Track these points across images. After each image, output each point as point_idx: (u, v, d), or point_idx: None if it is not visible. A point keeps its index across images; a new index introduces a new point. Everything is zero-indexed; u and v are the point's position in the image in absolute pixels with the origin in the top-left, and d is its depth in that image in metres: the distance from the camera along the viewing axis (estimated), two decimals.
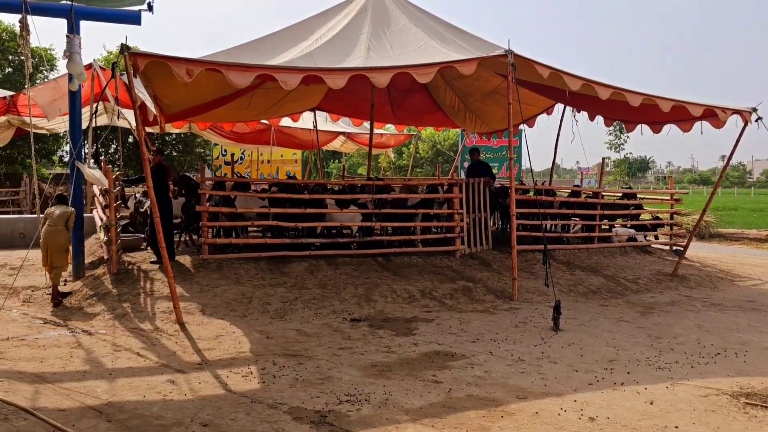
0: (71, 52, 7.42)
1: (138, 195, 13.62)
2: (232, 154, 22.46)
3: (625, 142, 50.05)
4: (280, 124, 17.21)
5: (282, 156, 25.55)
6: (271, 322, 7.58)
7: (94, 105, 8.91)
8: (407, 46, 9.77)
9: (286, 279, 9.10)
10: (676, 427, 4.50)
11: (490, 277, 9.98)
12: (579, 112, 12.76)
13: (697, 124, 11.02)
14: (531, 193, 12.54)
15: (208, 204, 9.48)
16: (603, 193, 13.53)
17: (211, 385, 5.39)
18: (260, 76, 7.54)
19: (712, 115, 10.43)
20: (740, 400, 5.06)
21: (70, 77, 8.21)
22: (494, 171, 22.40)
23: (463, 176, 21.67)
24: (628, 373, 5.80)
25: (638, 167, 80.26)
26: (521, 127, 15.36)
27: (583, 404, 4.96)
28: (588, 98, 10.46)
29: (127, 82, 8.28)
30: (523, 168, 21.19)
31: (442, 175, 20.50)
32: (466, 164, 23.81)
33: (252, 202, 10.18)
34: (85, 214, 10.23)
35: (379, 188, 11.08)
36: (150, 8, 8.79)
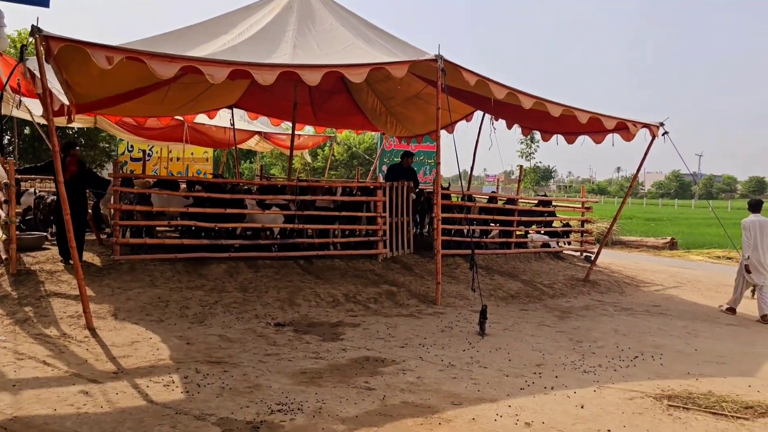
0: None
1: (37, 190, 12.69)
2: (141, 150, 21.43)
3: (536, 151, 51.93)
4: (194, 121, 16.56)
5: (192, 154, 24.68)
6: (191, 327, 7.20)
7: (1, 93, 8.12)
8: (334, 46, 9.60)
9: (204, 282, 8.71)
10: (609, 430, 4.61)
11: (412, 281, 9.98)
12: (497, 120, 13.01)
13: (609, 136, 11.52)
14: (454, 198, 12.70)
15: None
16: (519, 200, 13.88)
17: (129, 396, 5.02)
18: (185, 68, 7.14)
19: (624, 128, 10.90)
20: (663, 402, 5.25)
21: None
22: None
23: (381, 179, 21.76)
24: (557, 377, 5.90)
25: (542, 176, 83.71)
26: (441, 132, 15.51)
27: (517, 409, 4.99)
28: (509, 107, 10.68)
29: (31, 69, 7.66)
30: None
31: (360, 178, 20.43)
32: (385, 167, 23.86)
33: (172, 201, 9.68)
34: None
35: (302, 190, 10.84)
36: None
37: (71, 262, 8.56)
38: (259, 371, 5.76)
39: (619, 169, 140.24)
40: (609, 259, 15.37)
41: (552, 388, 5.54)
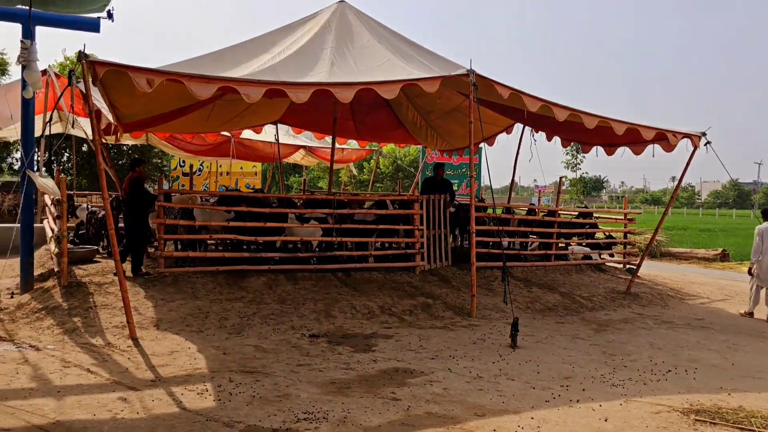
0: (29, 60, 7.22)
1: (89, 205, 13.31)
2: (191, 166, 22.12)
3: (582, 162, 51.03)
4: (240, 136, 17.07)
5: (241, 168, 25.34)
6: (228, 338, 7.45)
7: (51, 113, 8.64)
8: (370, 62, 9.81)
9: (244, 294, 8.99)
10: None
11: (449, 293, 10.04)
12: (537, 132, 12.99)
13: (649, 147, 11.35)
14: (490, 211, 12.70)
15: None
16: (559, 212, 13.77)
17: (164, 403, 5.26)
18: (222, 88, 7.46)
19: (663, 139, 10.74)
20: (690, 416, 5.18)
21: (24, 84, 7.98)
22: (454, 188, 22.74)
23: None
24: (584, 390, 5.88)
25: (593, 186, 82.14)
26: (481, 145, 15.55)
27: (539, 421, 5.01)
28: (546, 119, 10.66)
29: (83, 90, 8.12)
30: (482, 185, 21.50)
31: (402, 191, 20.60)
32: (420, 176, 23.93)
33: (214, 215, 10.04)
34: (35, 225, 9.92)
35: (340, 203, 11.06)
36: (110, 16, 8.63)
37: (135, 271, 9.17)
38: (290, 381, 5.94)
39: (674, 178, 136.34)
40: (655, 271, 15.07)
41: (577, 401, 5.53)
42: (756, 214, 10.98)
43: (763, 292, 10.41)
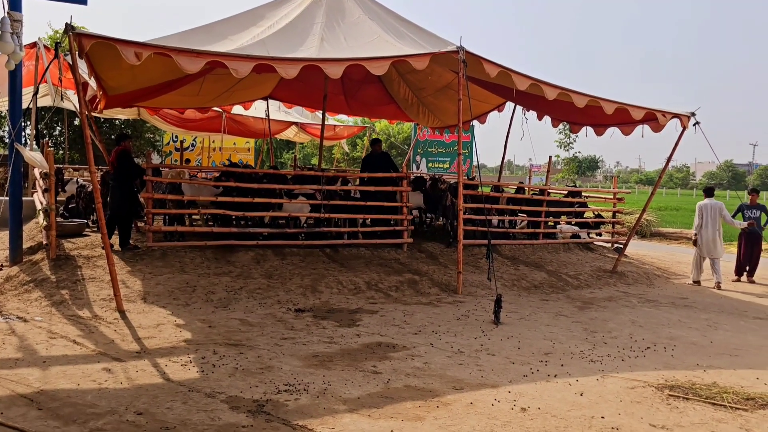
0: (2, 32, 7.19)
1: (79, 179, 13.29)
2: (182, 141, 22.03)
3: (574, 141, 50.74)
4: (232, 112, 17.00)
5: (234, 144, 25.25)
6: (215, 312, 7.53)
7: (36, 86, 8.61)
8: (361, 38, 9.78)
9: (231, 268, 9.04)
10: (603, 417, 4.69)
11: (436, 270, 10.12)
12: (528, 111, 12.99)
13: (638, 128, 11.37)
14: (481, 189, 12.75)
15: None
16: (549, 191, 13.82)
17: (148, 374, 5.34)
18: (210, 63, 7.44)
19: (653, 119, 10.76)
20: (664, 392, 5.30)
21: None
22: (446, 166, 22.78)
23: (415, 169, 21.87)
24: (562, 365, 5.99)
25: (588, 166, 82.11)
26: (472, 123, 15.56)
27: (516, 395, 5.12)
28: (536, 98, 10.67)
29: (71, 63, 8.09)
30: (474, 164, 21.51)
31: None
32: (419, 158, 23.94)
33: (203, 190, 10.06)
34: (24, 198, 9.92)
35: (329, 180, 11.07)
36: None
37: (127, 244, 9.20)
38: (273, 354, 6.03)
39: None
40: (644, 250, 15.21)
41: (555, 376, 5.63)
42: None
43: (706, 262, 11.48)
